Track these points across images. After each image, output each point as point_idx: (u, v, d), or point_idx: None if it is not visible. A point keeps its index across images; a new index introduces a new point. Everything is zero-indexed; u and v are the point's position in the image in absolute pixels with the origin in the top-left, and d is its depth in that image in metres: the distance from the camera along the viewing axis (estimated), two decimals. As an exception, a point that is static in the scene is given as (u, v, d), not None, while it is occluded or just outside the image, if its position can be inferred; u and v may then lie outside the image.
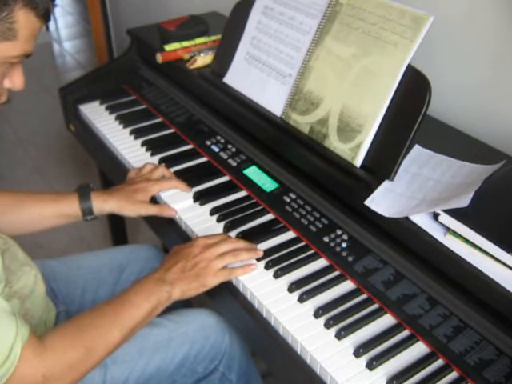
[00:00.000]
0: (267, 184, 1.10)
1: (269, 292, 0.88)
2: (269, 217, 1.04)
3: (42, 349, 0.75)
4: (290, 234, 1.00)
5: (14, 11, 0.72)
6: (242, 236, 0.98)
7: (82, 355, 0.78)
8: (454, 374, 0.76)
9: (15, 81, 0.82)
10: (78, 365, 0.78)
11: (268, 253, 0.94)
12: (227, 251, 0.92)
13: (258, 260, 0.93)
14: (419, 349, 0.79)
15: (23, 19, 0.74)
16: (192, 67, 1.33)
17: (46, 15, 0.77)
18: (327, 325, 0.82)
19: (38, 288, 0.95)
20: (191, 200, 1.10)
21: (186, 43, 1.41)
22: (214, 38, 1.44)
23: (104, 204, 1.06)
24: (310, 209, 1.02)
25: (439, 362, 0.77)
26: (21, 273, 0.91)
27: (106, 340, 0.81)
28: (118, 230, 1.83)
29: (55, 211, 1.06)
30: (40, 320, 0.94)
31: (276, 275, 0.91)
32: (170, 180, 1.12)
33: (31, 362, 0.73)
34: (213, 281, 0.89)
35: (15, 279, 0.89)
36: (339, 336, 0.80)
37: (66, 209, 1.06)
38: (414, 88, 0.91)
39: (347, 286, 0.89)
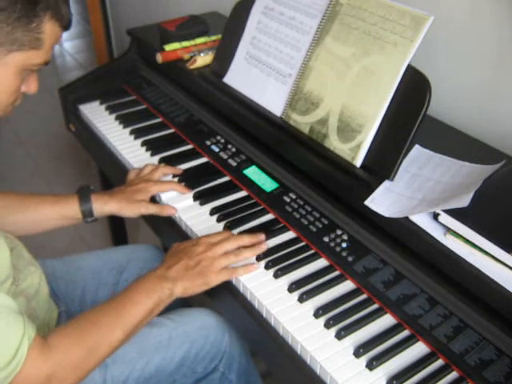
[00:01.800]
0: (267, 184, 1.10)
1: (269, 292, 0.88)
2: (269, 217, 1.04)
3: (47, 348, 0.75)
4: (290, 234, 1.00)
5: (43, 22, 0.77)
6: (242, 236, 0.98)
7: (85, 354, 0.78)
8: (454, 374, 0.76)
9: (31, 86, 0.86)
10: (82, 364, 0.78)
11: (268, 253, 0.94)
12: (230, 250, 0.92)
13: (258, 260, 0.93)
14: (419, 349, 0.79)
15: (49, 30, 0.79)
16: (192, 67, 1.33)
17: (68, 26, 0.83)
18: (327, 325, 0.82)
19: (42, 289, 0.95)
20: (191, 200, 1.10)
21: (185, 43, 1.41)
22: (214, 37, 1.44)
23: (104, 205, 1.07)
24: (309, 209, 1.02)
25: (439, 362, 0.77)
26: (27, 272, 0.92)
27: (108, 339, 0.81)
28: (118, 230, 1.83)
29: (55, 213, 1.06)
30: (44, 320, 0.94)
31: (276, 275, 0.91)
32: (169, 182, 1.13)
33: (36, 361, 0.73)
34: (216, 279, 0.89)
35: (22, 278, 0.90)
36: (339, 336, 0.80)
37: (67, 211, 1.06)
38: (413, 88, 0.91)
39: (347, 286, 0.89)
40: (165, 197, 1.10)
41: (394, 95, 0.93)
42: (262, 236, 0.97)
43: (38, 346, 0.74)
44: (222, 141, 1.24)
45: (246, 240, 0.95)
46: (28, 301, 0.89)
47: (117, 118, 1.39)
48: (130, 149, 1.28)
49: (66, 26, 0.82)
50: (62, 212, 1.06)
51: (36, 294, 0.92)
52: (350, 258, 0.91)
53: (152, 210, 1.07)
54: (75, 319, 0.82)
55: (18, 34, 0.75)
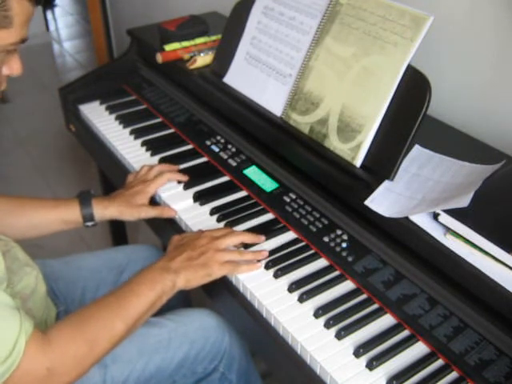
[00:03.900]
0: (267, 184, 1.10)
1: (269, 292, 0.88)
2: (269, 217, 1.04)
3: (46, 342, 0.74)
4: (290, 234, 1.00)
5: None
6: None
7: (86, 347, 0.78)
8: (453, 374, 0.76)
9: (13, 67, 0.82)
10: (82, 357, 0.77)
11: (268, 253, 0.94)
12: (232, 245, 0.93)
13: (259, 260, 0.93)
14: (419, 349, 0.79)
15: (17, 6, 0.74)
16: (192, 67, 1.33)
17: (37, 0, 0.78)
18: (327, 325, 0.82)
19: (39, 288, 0.95)
20: (191, 200, 1.10)
21: (186, 43, 1.41)
22: (214, 37, 1.44)
23: (105, 210, 1.07)
24: (309, 209, 1.02)
25: (439, 362, 0.77)
26: (22, 273, 0.92)
27: (109, 332, 0.80)
28: (118, 230, 1.83)
29: (56, 217, 1.06)
30: (41, 319, 0.94)
31: (276, 275, 0.91)
32: (163, 174, 1.12)
33: (35, 355, 0.72)
34: (219, 271, 0.89)
35: (17, 280, 0.89)
36: (339, 336, 0.80)
37: (67, 215, 1.06)
38: (413, 88, 0.91)
39: (347, 286, 0.89)
40: (164, 195, 1.10)
41: (394, 95, 0.93)
42: (263, 237, 0.97)
43: (37, 340, 0.73)
44: (222, 141, 1.24)
45: (247, 237, 0.95)
46: (24, 301, 0.89)
47: (117, 118, 1.39)
48: (130, 149, 1.28)
49: (35, 0, 0.77)
50: (62, 216, 1.06)
51: (32, 293, 0.92)
52: (349, 258, 0.91)
53: (152, 213, 1.07)
54: (75, 313, 0.82)
55: None
